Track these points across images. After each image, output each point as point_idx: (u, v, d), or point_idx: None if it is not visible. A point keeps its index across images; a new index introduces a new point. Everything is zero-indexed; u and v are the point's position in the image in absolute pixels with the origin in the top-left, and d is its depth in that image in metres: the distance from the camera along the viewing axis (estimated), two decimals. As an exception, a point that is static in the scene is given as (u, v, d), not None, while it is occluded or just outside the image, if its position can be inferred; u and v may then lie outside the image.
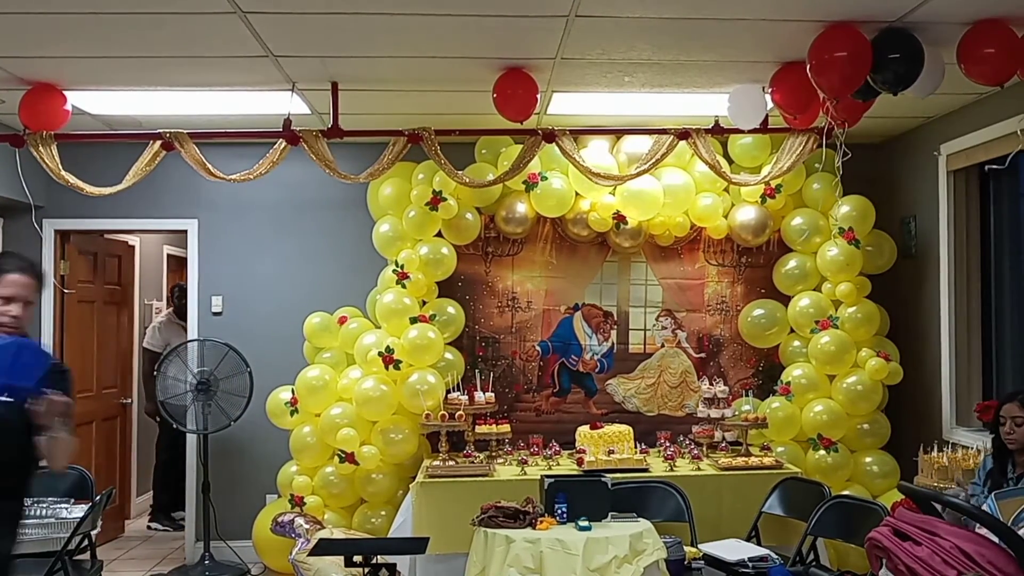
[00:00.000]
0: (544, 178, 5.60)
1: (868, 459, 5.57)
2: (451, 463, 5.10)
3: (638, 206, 5.61)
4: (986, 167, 4.80)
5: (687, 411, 5.91)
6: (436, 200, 5.47)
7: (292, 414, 5.56)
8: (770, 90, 4.39)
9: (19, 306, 2.95)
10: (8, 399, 2.81)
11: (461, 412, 5.29)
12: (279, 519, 5.12)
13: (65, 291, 6.14)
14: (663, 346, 5.99)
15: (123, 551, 6.45)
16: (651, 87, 4.75)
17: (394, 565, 3.82)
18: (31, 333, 5.92)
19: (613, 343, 5.98)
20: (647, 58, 4.26)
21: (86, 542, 4.42)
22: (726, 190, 5.74)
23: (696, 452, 5.36)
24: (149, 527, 7.06)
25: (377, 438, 5.40)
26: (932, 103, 4.94)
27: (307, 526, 4.98)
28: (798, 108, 4.36)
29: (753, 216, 5.74)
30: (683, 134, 5.05)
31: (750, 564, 4.22)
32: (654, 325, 5.99)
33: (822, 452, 5.49)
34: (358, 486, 5.49)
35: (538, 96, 4.50)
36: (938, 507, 3.27)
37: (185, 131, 4.91)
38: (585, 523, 4.02)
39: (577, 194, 5.68)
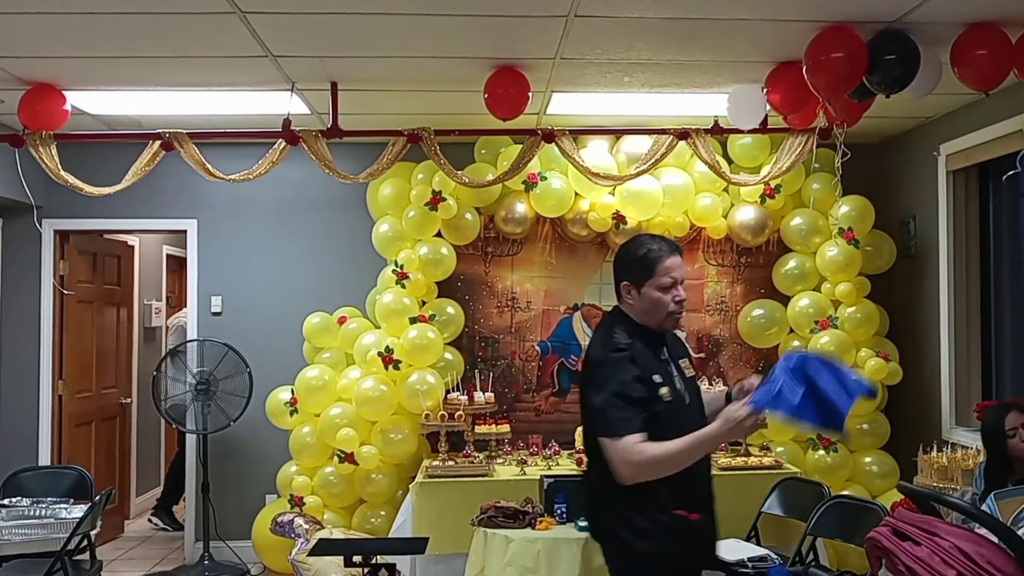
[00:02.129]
0: (543, 178, 5.60)
1: (867, 459, 5.57)
2: (451, 463, 5.10)
3: (638, 206, 5.61)
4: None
5: (687, 411, 5.90)
6: (436, 200, 5.47)
7: (292, 414, 5.56)
8: (766, 90, 4.39)
9: (684, 289, 2.79)
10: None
11: (461, 412, 5.29)
12: (279, 519, 5.12)
13: (65, 292, 6.14)
14: (663, 346, 5.98)
15: (123, 551, 6.45)
16: (650, 87, 4.75)
17: (394, 565, 3.82)
18: (28, 333, 6.00)
19: (613, 343, 5.96)
20: (646, 58, 4.26)
21: (85, 542, 4.42)
22: (725, 190, 5.74)
23: (696, 452, 5.35)
24: (150, 520, 7.07)
25: (377, 438, 5.40)
26: (931, 103, 4.94)
27: (307, 526, 4.98)
28: (793, 108, 4.36)
29: (752, 216, 5.74)
30: (682, 134, 5.05)
31: (749, 564, 4.21)
32: (654, 325, 5.98)
33: (821, 452, 5.49)
34: (358, 486, 5.49)
35: (529, 94, 4.49)
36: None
37: (184, 131, 4.91)
38: (584, 523, 4.02)
39: (576, 194, 5.68)
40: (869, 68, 3.77)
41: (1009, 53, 3.73)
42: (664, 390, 2.68)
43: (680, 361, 2.87)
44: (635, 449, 2.57)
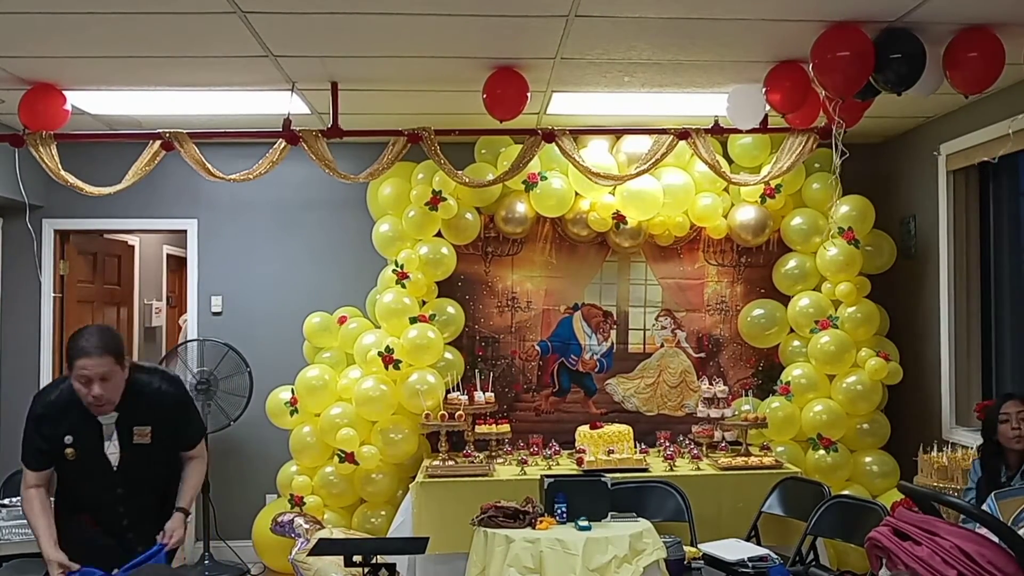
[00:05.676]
0: (544, 178, 5.60)
1: (868, 459, 5.57)
2: (451, 463, 5.10)
3: (638, 206, 5.61)
4: (978, 161, 4.79)
5: (687, 411, 5.91)
6: (436, 200, 5.47)
7: (292, 414, 5.56)
8: (765, 89, 4.39)
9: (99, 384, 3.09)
10: None
11: (461, 412, 5.29)
12: (279, 519, 5.12)
13: (55, 294, 6.14)
14: (663, 346, 5.99)
15: (123, 551, 6.44)
16: (651, 87, 4.75)
17: (394, 565, 3.81)
18: (29, 333, 5.99)
19: (612, 343, 5.98)
20: (647, 58, 4.26)
21: (86, 542, 4.41)
22: (726, 190, 5.74)
23: (696, 452, 5.36)
24: None
25: (377, 438, 5.40)
26: (932, 103, 4.94)
27: (307, 526, 4.98)
28: (791, 107, 4.35)
29: (753, 216, 5.74)
30: (683, 134, 5.05)
31: (750, 564, 4.21)
32: (654, 325, 6.00)
33: (822, 452, 5.49)
34: (358, 486, 5.49)
35: (528, 95, 4.48)
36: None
37: (185, 131, 4.91)
38: (585, 523, 4.02)
39: (577, 194, 5.68)
40: (876, 67, 3.77)
41: (1000, 58, 3.76)
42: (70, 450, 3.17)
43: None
44: None
